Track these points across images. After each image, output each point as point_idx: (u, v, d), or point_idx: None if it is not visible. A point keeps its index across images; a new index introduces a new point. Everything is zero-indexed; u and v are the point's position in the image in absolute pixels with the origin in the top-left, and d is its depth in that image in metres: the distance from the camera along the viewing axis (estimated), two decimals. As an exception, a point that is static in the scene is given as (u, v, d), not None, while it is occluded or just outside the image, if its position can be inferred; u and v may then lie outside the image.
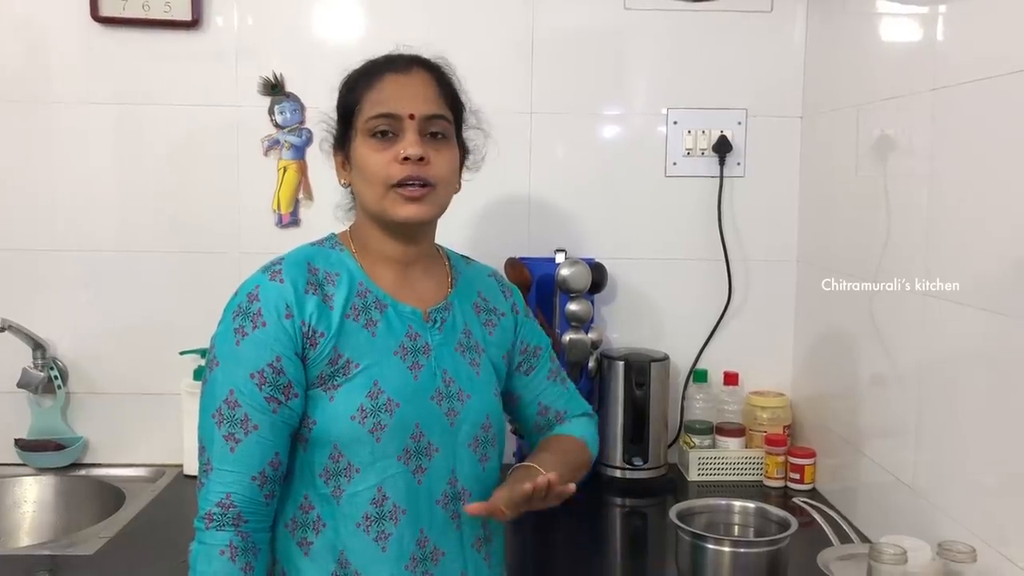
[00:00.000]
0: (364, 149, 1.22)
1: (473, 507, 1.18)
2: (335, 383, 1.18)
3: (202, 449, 1.17)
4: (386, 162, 1.20)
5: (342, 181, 1.29)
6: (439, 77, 1.26)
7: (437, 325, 1.27)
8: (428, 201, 1.22)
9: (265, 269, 1.21)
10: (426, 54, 1.28)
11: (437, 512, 1.22)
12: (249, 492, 1.15)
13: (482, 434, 1.27)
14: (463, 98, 1.30)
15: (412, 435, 1.20)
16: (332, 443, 1.18)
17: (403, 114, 1.20)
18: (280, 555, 1.22)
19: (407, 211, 1.21)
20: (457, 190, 1.29)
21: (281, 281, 1.19)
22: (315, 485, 1.20)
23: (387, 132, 1.21)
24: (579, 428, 1.40)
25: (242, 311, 1.18)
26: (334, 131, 1.30)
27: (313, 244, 1.29)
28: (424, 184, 1.20)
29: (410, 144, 1.19)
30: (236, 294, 1.21)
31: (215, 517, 1.14)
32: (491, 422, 1.29)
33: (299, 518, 1.21)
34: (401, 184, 1.20)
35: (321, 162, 2.03)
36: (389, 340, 1.22)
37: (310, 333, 1.17)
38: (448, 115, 1.25)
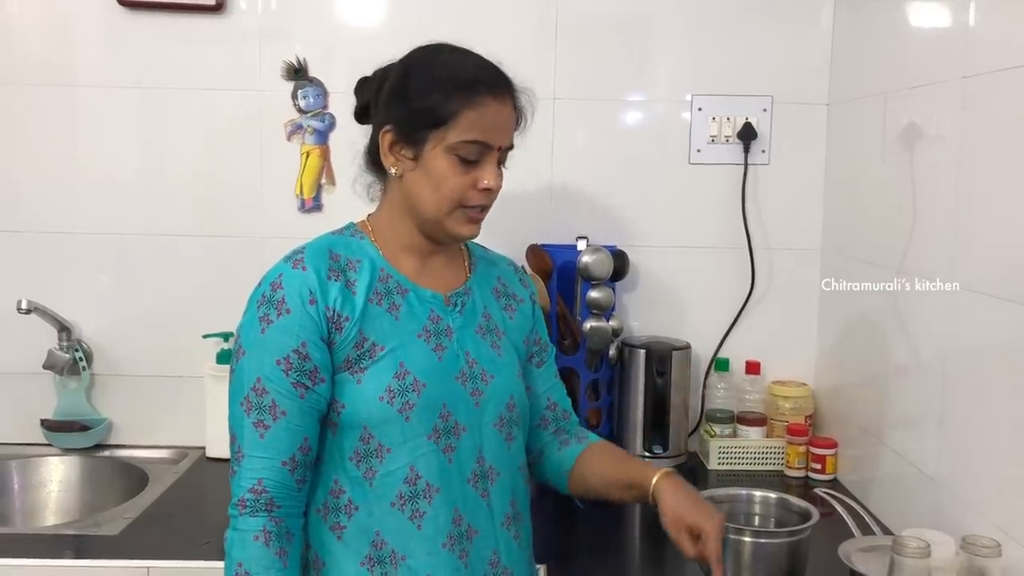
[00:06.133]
0: (446, 165, 1.21)
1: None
2: (361, 366, 1.20)
3: (233, 437, 1.19)
4: (465, 185, 1.22)
5: (393, 169, 1.24)
6: (519, 108, 1.27)
7: (458, 309, 1.29)
8: (482, 221, 1.27)
9: (287, 258, 1.23)
10: (505, 72, 1.27)
11: (468, 491, 1.24)
12: (280, 477, 1.17)
13: (507, 413, 1.29)
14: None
15: (440, 414, 1.22)
16: (362, 425, 1.20)
17: (495, 145, 1.22)
18: (313, 541, 1.24)
19: (468, 230, 1.25)
20: None
21: (304, 269, 1.20)
22: (345, 468, 1.21)
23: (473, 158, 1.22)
24: (599, 438, 1.45)
25: (266, 300, 1.19)
26: (392, 109, 1.23)
27: (333, 233, 1.30)
28: (485, 207, 1.25)
29: (492, 176, 1.22)
30: (260, 284, 1.22)
31: (248, 503, 1.16)
32: (515, 402, 1.31)
33: (330, 503, 1.22)
34: (471, 207, 1.23)
35: (344, 147, 2.05)
36: (412, 323, 1.24)
37: (335, 318, 1.19)
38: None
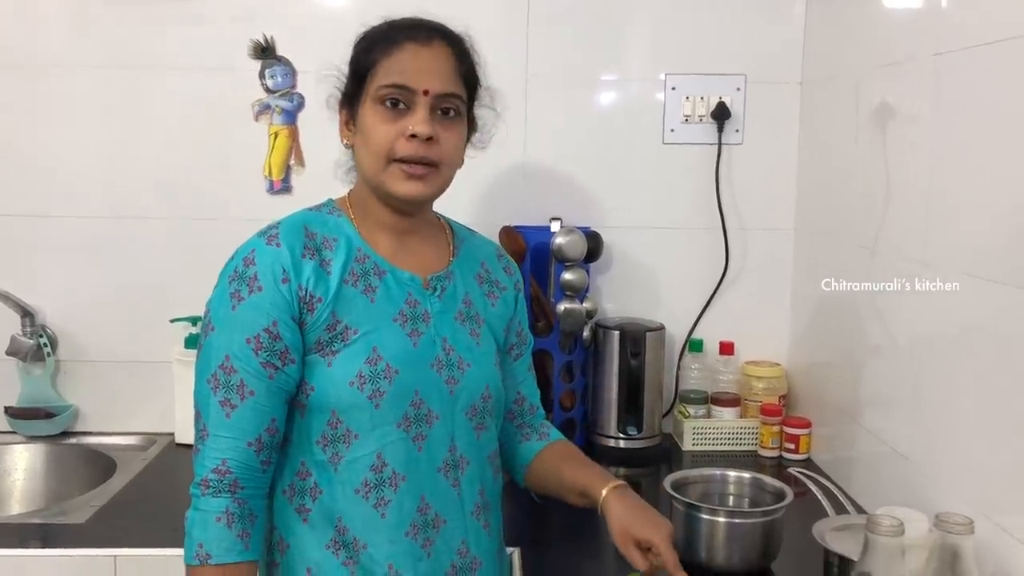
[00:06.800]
0: (372, 116, 1.19)
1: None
2: (333, 349, 1.17)
3: (198, 415, 1.17)
4: (392, 135, 1.17)
5: (344, 141, 1.26)
6: (459, 52, 1.23)
7: (437, 293, 1.26)
8: (429, 181, 1.20)
9: (262, 234, 1.20)
10: (438, 21, 1.25)
11: (439, 479, 1.22)
12: (245, 458, 1.15)
13: (481, 403, 1.26)
14: (480, 75, 1.27)
15: (412, 402, 1.20)
16: (331, 409, 1.17)
17: (417, 88, 1.17)
18: (278, 522, 1.22)
19: (407, 188, 1.19)
20: (459, 166, 1.26)
21: (278, 245, 1.17)
22: (312, 452, 1.19)
23: (398, 102, 1.18)
24: (560, 436, 1.44)
25: (238, 275, 1.16)
26: (343, 86, 1.26)
27: (310, 209, 1.27)
28: (428, 163, 1.19)
29: (420, 121, 1.17)
30: (232, 258, 1.19)
31: (211, 483, 1.13)
32: (490, 392, 1.28)
33: (297, 485, 1.21)
34: (404, 160, 1.18)
35: (313, 128, 2.02)
36: (388, 306, 1.21)
37: (307, 298, 1.16)
38: (462, 93, 1.23)
